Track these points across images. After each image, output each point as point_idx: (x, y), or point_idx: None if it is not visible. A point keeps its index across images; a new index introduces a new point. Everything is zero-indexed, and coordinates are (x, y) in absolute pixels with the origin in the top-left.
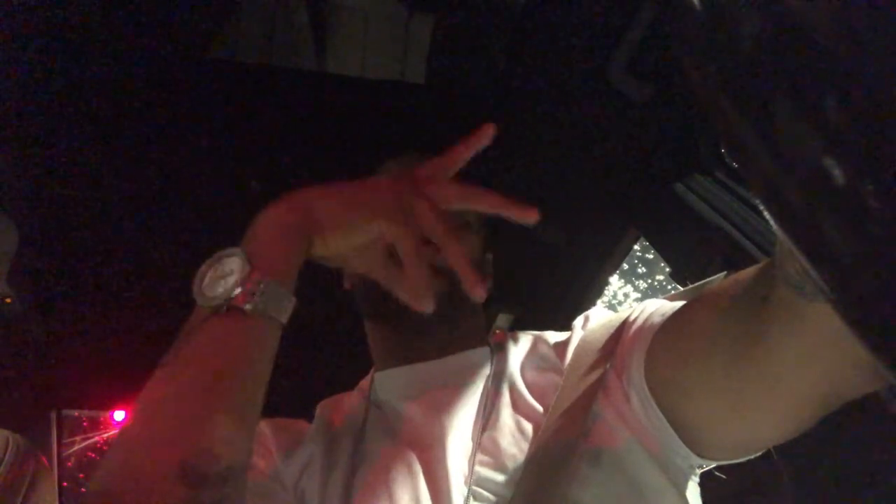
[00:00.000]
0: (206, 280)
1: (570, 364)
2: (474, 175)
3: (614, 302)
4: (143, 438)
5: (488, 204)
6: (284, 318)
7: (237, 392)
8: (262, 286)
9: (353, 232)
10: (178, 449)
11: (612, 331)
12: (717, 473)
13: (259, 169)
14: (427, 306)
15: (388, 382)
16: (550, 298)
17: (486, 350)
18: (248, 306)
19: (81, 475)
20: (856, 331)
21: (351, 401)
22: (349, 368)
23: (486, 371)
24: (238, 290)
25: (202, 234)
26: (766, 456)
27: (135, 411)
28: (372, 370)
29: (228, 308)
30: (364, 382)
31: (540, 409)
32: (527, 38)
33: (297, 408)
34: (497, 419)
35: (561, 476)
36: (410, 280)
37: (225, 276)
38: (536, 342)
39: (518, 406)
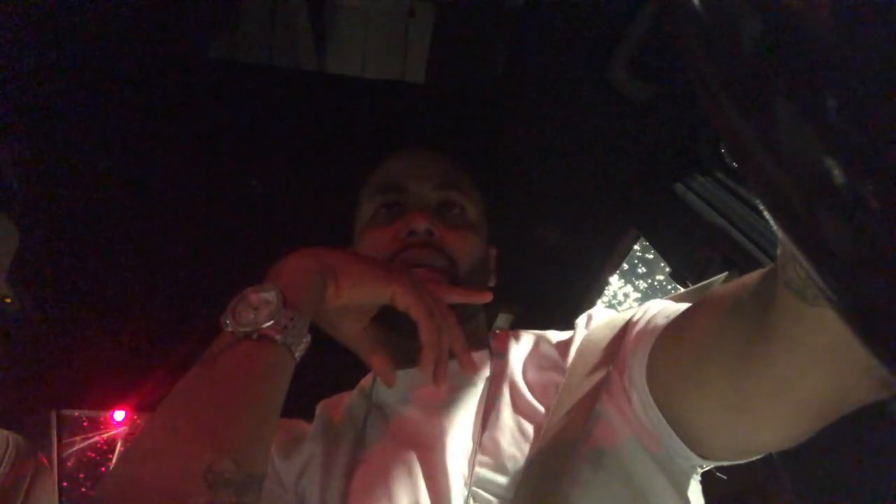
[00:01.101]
0: (239, 308)
1: (572, 363)
2: (476, 176)
3: (614, 302)
4: (171, 441)
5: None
6: (299, 354)
7: (259, 410)
8: (293, 320)
9: (368, 289)
10: (205, 454)
11: (615, 331)
12: (717, 474)
13: (259, 169)
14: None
15: None
16: (550, 298)
17: (485, 352)
18: (277, 336)
19: (81, 475)
20: (857, 333)
21: (351, 401)
22: (349, 368)
23: (486, 372)
24: (271, 322)
25: (202, 233)
26: (766, 456)
27: (160, 415)
28: (372, 371)
29: (259, 336)
30: (364, 382)
31: (541, 409)
32: (527, 39)
33: (297, 407)
34: (497, 419)
35: (562, 477)
36: (424, 340)
37: (257, 307)
38: (539, 341)
39: (519, 406)
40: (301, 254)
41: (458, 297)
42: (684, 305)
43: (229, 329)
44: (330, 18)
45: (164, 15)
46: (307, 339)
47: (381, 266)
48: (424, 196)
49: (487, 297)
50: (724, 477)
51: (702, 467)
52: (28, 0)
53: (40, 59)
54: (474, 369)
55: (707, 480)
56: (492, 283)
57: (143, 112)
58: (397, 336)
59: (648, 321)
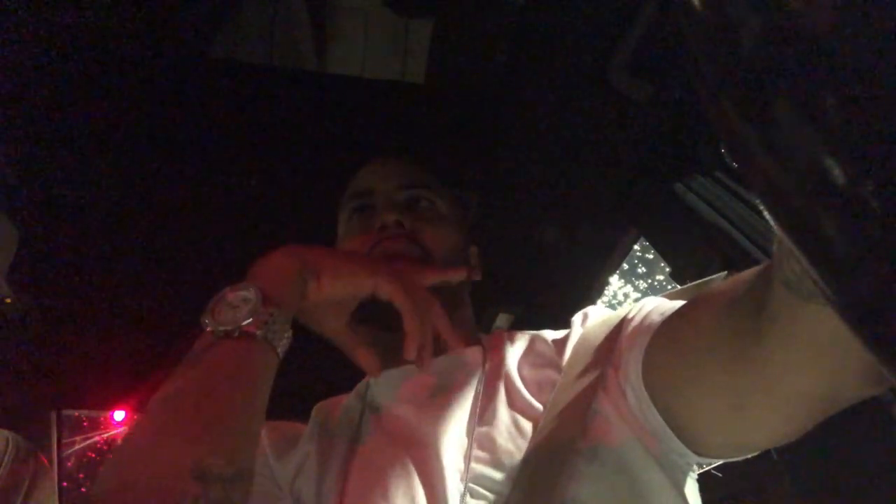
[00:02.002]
0: (218, 308)
1: (568, 361)
2: (475, 177)
3: (614, 302)
4: (159, 438)
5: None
6: (282, 350)
7: (246, 406)
8: (273, 316)
9: (349, 282)
10: (193, 451)
11: (611, 328)
12: (715, 472)
13: (259, 169)
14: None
15: (382, 384)
16: (550, 298)
17: (478, 349)
18: (258, 333)
19: (81, 475)
20: (856, 332)
21: (348, 403)
22: (346, 370)
23: (480, 369)
24: (250, 319)
25: (202, 233)
26: (766, 456)
27: (148, 413)
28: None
29: (240, 333)
30: (360, 385)
31: (537, 405)
32: (527, 38)
33: (294, 409)
34: (493, 416)
35: (558, 473)
36: (408, 326)
37: (237, 306)
38: (534, 340)
39: (514, 402)
40: (280, 252)
41: (433, 276)
42: (680, 303)
43: (209, 329)
44: (330, 18)
45: (164, 14)
46: (289, 334)
47: (361, 258)
48: (392, 195)
49: (462, 274)
50: (720, 475)
51: (699, 465)
52: (28, 1)
53: (40, 58)
54: (461, 345)
55: (706, 480)
56: (477, 278)
57: (142, 111)
58: (383, 330)
59: (644, 318)
